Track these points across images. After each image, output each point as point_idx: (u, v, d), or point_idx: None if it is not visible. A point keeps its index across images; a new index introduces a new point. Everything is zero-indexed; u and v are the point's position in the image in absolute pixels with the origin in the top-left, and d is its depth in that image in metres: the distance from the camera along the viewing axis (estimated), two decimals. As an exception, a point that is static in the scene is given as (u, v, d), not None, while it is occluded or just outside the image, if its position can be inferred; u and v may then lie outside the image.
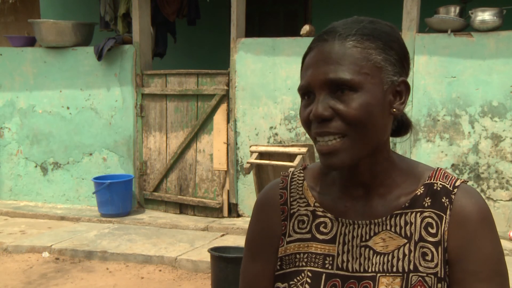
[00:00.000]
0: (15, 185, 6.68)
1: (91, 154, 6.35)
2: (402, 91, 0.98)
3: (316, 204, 1.07)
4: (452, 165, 4.94)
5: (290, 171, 1.15)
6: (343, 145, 0.94)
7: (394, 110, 0.97)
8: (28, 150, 6.56)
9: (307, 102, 0.98)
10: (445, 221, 0.98)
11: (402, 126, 1.08)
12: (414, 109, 4.97)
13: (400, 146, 4.87)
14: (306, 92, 0.98)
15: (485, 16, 4.70)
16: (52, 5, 7.37)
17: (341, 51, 0.94)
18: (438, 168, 1.05)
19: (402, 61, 0.99)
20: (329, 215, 1.05)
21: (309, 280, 1.02)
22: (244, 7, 5.63)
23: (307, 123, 0.98)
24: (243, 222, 5.55)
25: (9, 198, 6.71)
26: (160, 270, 4.61)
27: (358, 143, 0.95)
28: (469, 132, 4.87)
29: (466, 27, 4.88)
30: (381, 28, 0.98)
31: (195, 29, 7.52)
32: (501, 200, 4.83)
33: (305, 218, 1.07)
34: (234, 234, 5.33)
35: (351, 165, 0.97)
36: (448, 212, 0.98)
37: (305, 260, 1.04)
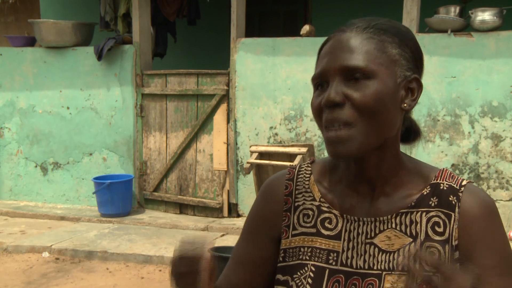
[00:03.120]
0: (15, 185, 6.68)
1: (91, 154, 6.35)
2: (415, 88, 1.00)
3: (322, 199, 1.07)
4: (452, 165, 4.94)
5: (298, 164, 1.15)
6: (351, 134, 0.94)
7: (405, 105, 0.99)
8: (28, 150, 6.56)
9: (320, 92, 0.99)
10: (455, 219, 0.99)
11: (411, 132, 1.10)
12: (414, 109, 4.97)
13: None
14: (320, 81, 0.98)
15: (485, 16, 4.71)
16: (52, 5, 7.37)
17: (357, 41, 0.96)
18: (444, 168, 1.06)
19: (416, 60, 1.01)
20: (334, 211, 1.05)
21: (312, 275, 1.03)
22: (244, 7, 5.63)
23: (318, 111, 0.98)
24: (243, 222, 5.54)
25: (9, 198, 6.70)
26: (160, 270, 4.62)
27: (366, 133, 0.95)
28: (469, 132, 4.87)
29: (466, 27, 4.89)
30: (398, 27, 1.01)
31: (195, 29, 7.52)
32: (501, 200, 4.83)
33: (310, 212, 1.07)
34: (234, 234, 5.33)
35: (358, 156, 0.97)
36: (456, 210, 0.99)
37: (309, 254, 1.05)
